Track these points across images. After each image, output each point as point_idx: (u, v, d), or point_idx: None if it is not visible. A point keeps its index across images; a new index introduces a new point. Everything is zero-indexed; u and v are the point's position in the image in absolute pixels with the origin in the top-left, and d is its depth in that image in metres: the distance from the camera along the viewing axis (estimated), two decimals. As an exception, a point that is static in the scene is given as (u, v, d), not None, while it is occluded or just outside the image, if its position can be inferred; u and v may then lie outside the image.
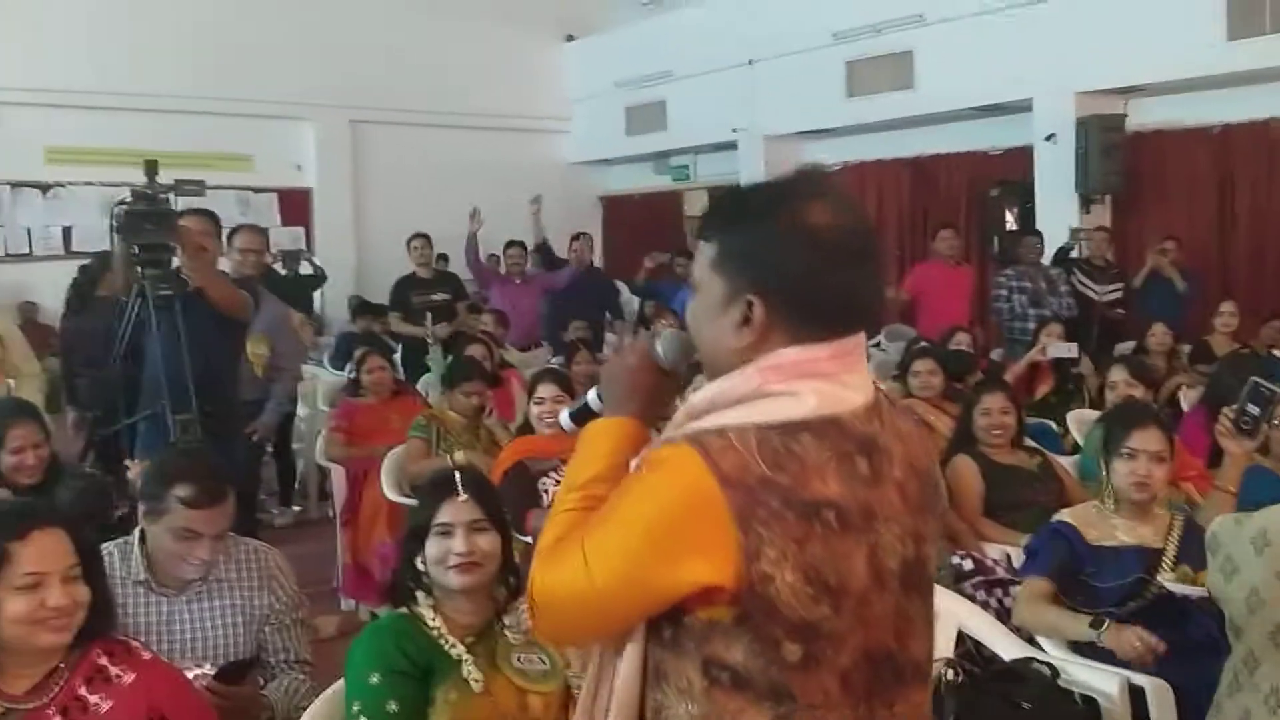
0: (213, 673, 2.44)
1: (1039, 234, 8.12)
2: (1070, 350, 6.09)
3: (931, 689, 1.53)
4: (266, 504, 6.69)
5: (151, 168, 4.30)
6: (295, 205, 11.92)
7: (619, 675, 1.42)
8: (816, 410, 1.32)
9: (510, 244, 8.80)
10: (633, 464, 1.41)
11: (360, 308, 9.79)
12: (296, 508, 7.04)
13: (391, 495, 4.94)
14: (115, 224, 4.13)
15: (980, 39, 9.06)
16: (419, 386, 6.85)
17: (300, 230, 11.87)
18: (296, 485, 7.12)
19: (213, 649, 2.65)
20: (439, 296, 8.12)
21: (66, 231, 10.73)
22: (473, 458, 4.63)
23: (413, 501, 4.77)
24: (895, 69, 9.81)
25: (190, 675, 2.37)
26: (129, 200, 4.09)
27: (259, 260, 5.65)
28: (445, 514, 2.31)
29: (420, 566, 2.33)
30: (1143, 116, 8.82)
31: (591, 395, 1.63)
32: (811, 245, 1.34)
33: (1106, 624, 2.79)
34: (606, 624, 1.41)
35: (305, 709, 2.63)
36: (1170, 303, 7.64)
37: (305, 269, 10.44)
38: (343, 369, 8.45)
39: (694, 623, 1.34)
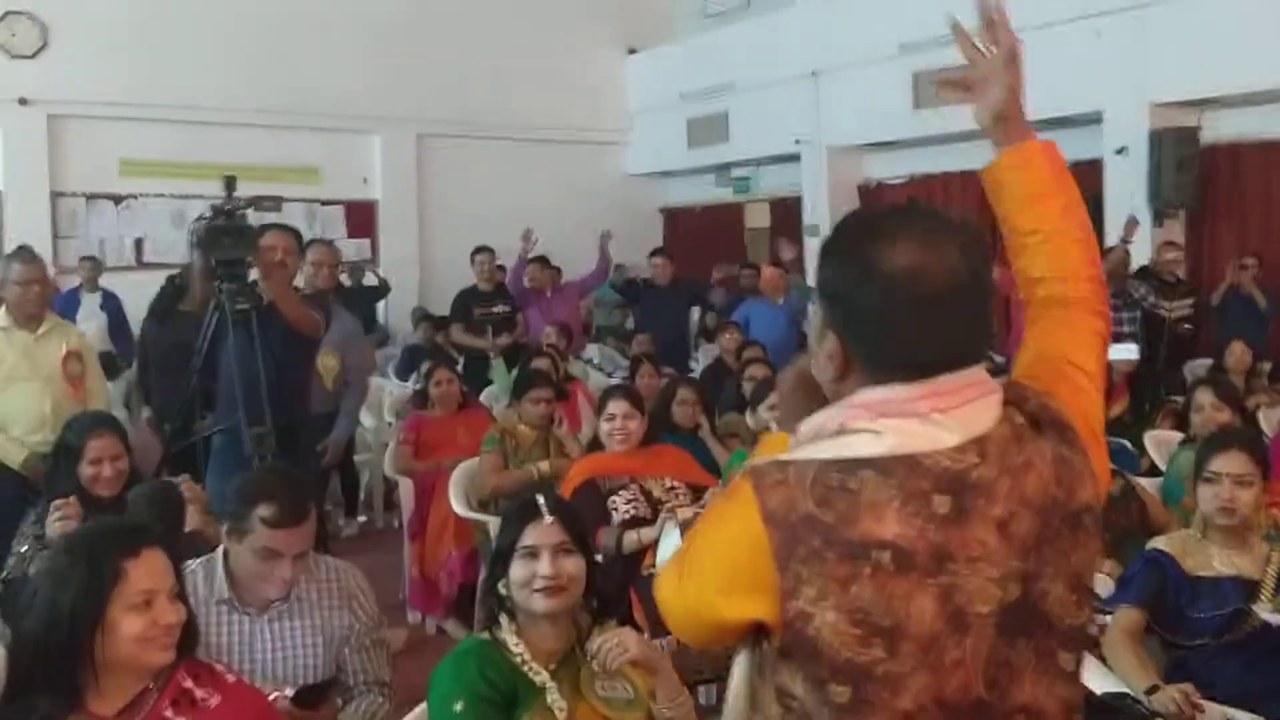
0: (291, 695, 2.44)
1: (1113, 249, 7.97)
2: (1130, 352, 5.98)
3: None
4: (332, 515, 6.73)
5: (230, 182, 4.35)
6: (361, 217, 12.02)
7: (730, 692, 1.45)
8: (892, 449, 1.28)
9: (530, 260, 8.83)
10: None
11: (424, 319, 9.84)
12: (362, 518, 7.09)
13: (460, 509, 4.95)
14: (194, 239, 4.18)
15: (1050, 50, 8.89)
16: (481, 399, 6.87)
17: (366, 242, 11.97)
18: (361, 496, 7.17)
19: (293, 669, 2.66)
20: (499, 309, 8.16)
21: (138, 243, 10.89)
22: (558, 465, 4.66)
23: (481, 516, 4.85)
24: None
25: (270, 699, 2.38)
26: (208, 215, 4.14)
27: (331, 273, 5.69)
28: (530, 536, 2.29)
29: (503, 590, 2.31)
30: (1218, 129, 8.64)
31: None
32: (885, 289, 1.30)
33: (1158, 689, 2.69)
34: (707, 635, 1.43)
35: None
36: (1251, 320, 7.50)
37: (369, 280, 10.55)
38: (407, 380, 8.53)
39: (770, 650, 1.33)
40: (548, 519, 2.31)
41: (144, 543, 2.02)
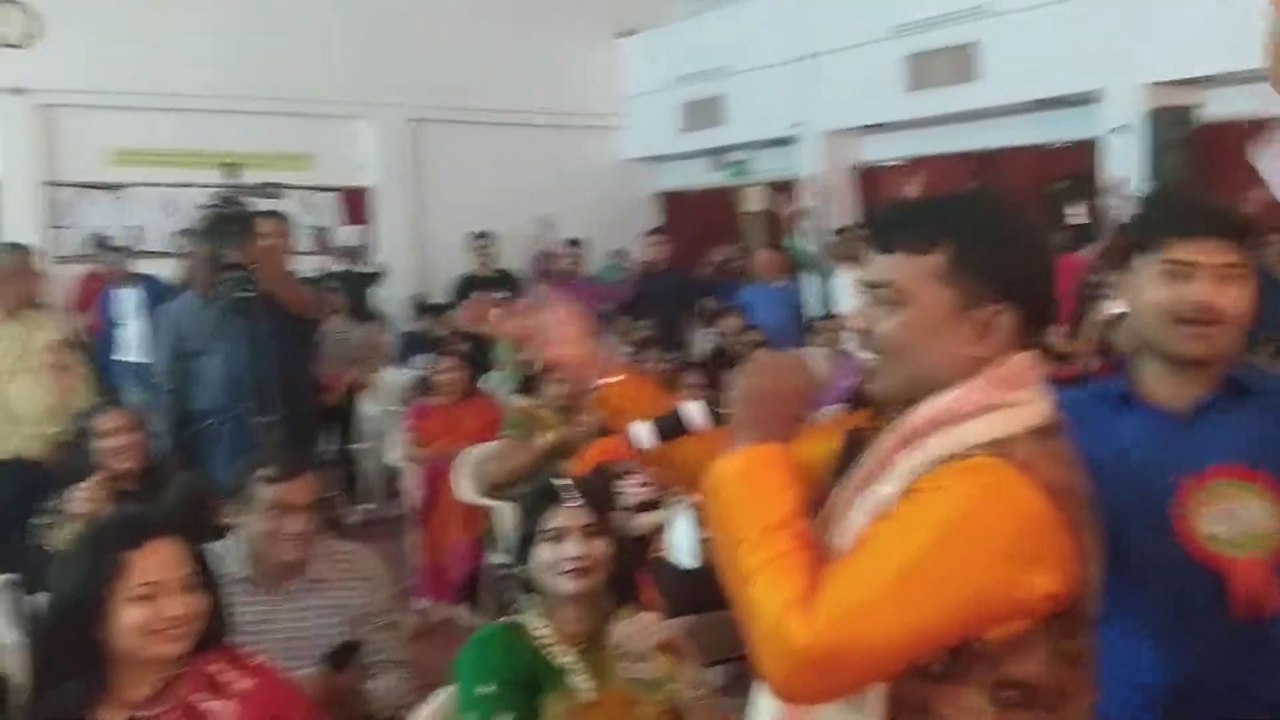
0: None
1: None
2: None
3: None
4: (337, 502, 6.74)
5: (230, 170, 4.34)
6: (355, 204, 11.97)
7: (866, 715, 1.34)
8: (1046, 415, 1.39)
9: (570, 241, 8.80)
10: (888, 491, 1.35)
11: (422, 307, 9.83)
12: (371, 505, 7.10)
13: (466, 496, 4.95)
14: (198, 227, 4.17)
15: (1046, 30, 8.91)
16: (484, 386, 6.86)
17: (361, 229, 11.93)
18: (356, 483, 7.17)
19: (310, 648, 2.66)
20: (500, 295, 8.17)
21: (132, 233, 10.85)
22: (571, 435, 4.63)
23: (488, 502, 4.85)
24: (957, 62, 9.66)
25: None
26: (212, 203, 4.13)
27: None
28: (556, 519, 2.30)
29: (529, 574, 2.32)
30: (1216, 108, 8.64)
31: (694, 410, 1.58)
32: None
33: None
34: (892, 665, 1.29)
35: (407, 700, 2.65)
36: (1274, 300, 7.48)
37: (365, 267, 10.54)
38: (404, 367, 8.53)
39: (987, 647, 1.31)
40: (573, 501, 2.32)
41: (150, 535, 2.00)
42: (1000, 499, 1.29)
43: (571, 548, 2.27)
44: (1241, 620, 1.74)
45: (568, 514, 2.31)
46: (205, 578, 2.05)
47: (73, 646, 1.94)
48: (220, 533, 2.76)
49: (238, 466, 2.87)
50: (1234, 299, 1.74)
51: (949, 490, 1.30)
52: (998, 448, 1.32)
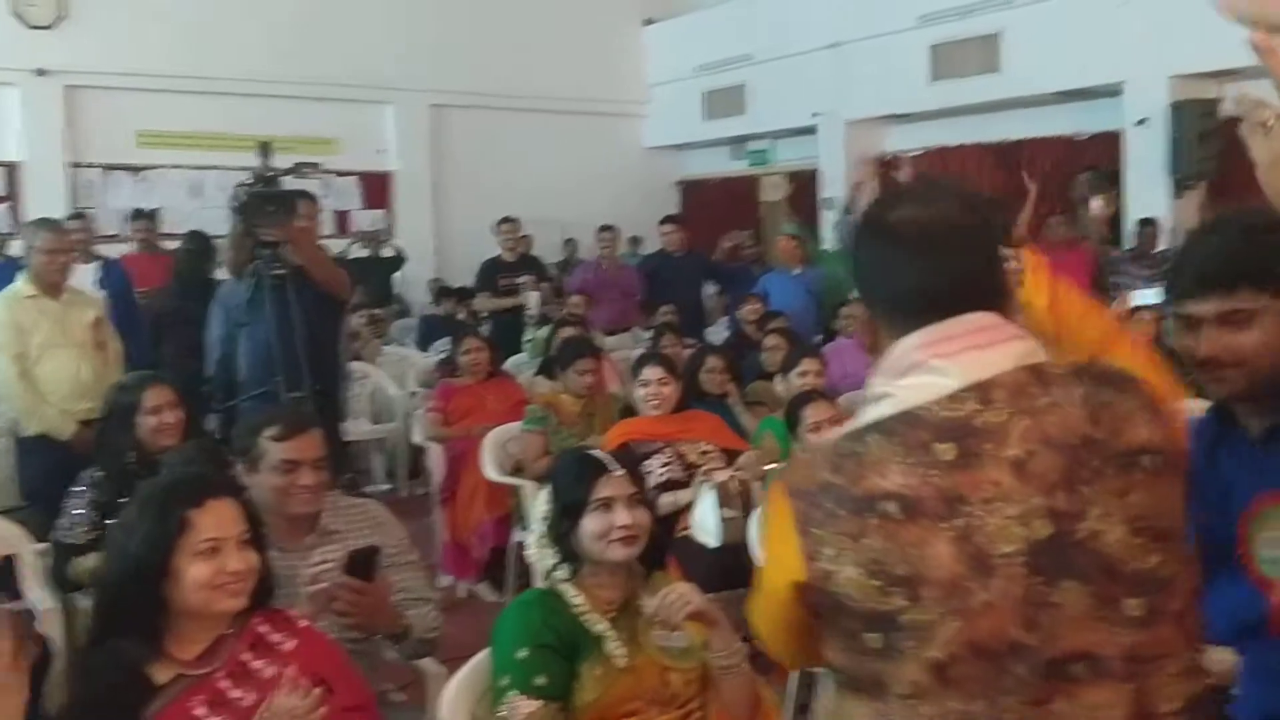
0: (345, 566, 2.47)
1: (1153, 221, 7.99)
2: (1156, 296, 5.98)
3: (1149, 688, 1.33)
4: (357, 481, 6.79)
5: (265, 148, 4.39)
6: (377, 188, 12.03)
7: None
8: (895, 409, 1.36)
9: (603, 228, 8.83)
10: None
11: (443, 291, 9.89)
12: (386, 486, 7.16)
13: (492, 475, 4.99)
14: (235, 205, 4.22)
15: (1070, 21, 8.90)
16: (507, 367, 6.90)
17: (382, 213, 11.99)
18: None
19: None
20: (524, 279, 8.22)
21: (155, 214, 10.89)
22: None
23: (515, 481, 4.89)
24: (981, 52, 9.67)
25: (314, 582, 2.45)
26: (249, 181, 4.17)
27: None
28: (604, 489, 2.34)
29: (570, 543, 2.35)
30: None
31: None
32: (889, 244, 1.42)
33: None
34: (784, 632, 1.50)
35: (437, 632, 2.72)
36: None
37: (386, 251, 10.60)
38: (426, 350, 8.58)
39: (815, 629, 1.42)
40: (618, 471, 2.36)
41: (209, 494, 2.09)
42: (770, 504, 1.45)
43: (621, 515, 2.31)
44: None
45: (615, 483, 2.35)
46: (256, 536, 2.11)
47: (134, 604, 2.01)
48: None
49: (239, 428, 2.93)
50: (1244, 343, 1.72)
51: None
52: (796, 452, 1.46)
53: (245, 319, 4.44)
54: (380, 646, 2.86)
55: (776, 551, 1.41)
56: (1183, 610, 1.35)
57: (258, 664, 2.08)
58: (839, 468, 1.35)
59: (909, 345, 1.38)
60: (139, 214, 8.59)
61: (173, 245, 7.39)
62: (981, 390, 1.33)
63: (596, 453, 2.47)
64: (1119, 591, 1.31)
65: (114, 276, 6.19)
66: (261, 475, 2.73)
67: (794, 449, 3.45)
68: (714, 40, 12.14)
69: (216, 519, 2.04)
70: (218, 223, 6.33)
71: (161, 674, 2.02)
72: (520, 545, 4.81)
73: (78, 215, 8.29)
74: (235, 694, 2.04)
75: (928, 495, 1.30)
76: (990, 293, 1.41)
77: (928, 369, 1.36)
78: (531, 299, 8.16)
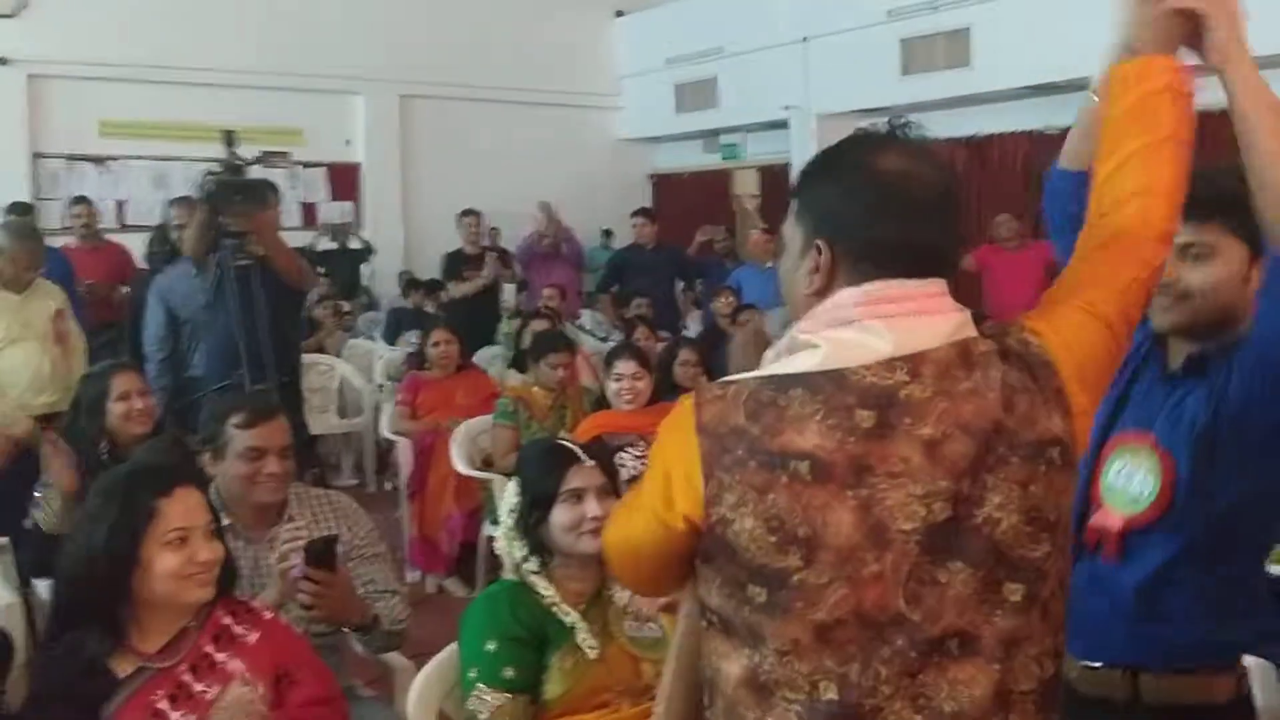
0: (303, 554, 2.42)
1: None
2: None
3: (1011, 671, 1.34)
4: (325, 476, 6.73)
5: (230, 138, 4.33)
6: (344, 180, 11.92)
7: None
8: (822, 364, 1.33)
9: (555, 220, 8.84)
10: None
11: (411, 284, 9.84)
12: (354, 481, 7.10)
13: (462, 468, 4.95)
14: (202, 194, 4.16)
15: (1039, 15, 8.92)
16: (477, 360, 6.86)
17: (349, 205, 11.88)
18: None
19: None
20: (487, 272, 8.19)
21: (120, 205, 10.79)
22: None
23: (485, 475, 4.85)
24: (952, 46, 9.68)
25: (288, 533, 2.44)
26: (216, 170, 4.12)
27: None
28: (575, 480, 2.31)
29: (540, 535, 2.32)
30: (1205, 96, 8.66)
31: None
32: (876, 190, 1.37)
33: None
34: (653, 564, 1.49)
35: (404, 624, 2.69)
36: None
37: (354, 243, 10.51)
38: (394, 343, 8.53)
39: (696, 570, 1.41)
40: (589, 462, 2.33)
41: (177, 481, 2.06)
42: (667, 435, 1.41)
43: (593, 506, 2.28)
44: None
45: (586, 473, 2.32)
46: (218, 527, 2.08)
47: (98, 596, 1.97)
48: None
49: (203, 415, 2.90)
50: (1197, 277, 1.82)
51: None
52: (709, 387, 1.39)
53: (200, 313, 4.38)
54: (348, 639, 2.83)
55: (672, 484, 1.37)
56: (1050, 597, 1.37)
57: (221, 656, 2.04)
58: (757, 415, 1.32)
59: (846, 298, 1.36)
60: (78, 200, 8.26)
61: (116, 236, 7.24)
62: (913, 363, 1.32)
63: (567, 442, 2.44)
64: (1003, 576, 1.33)
65: (54, 265, 6.09)
66: (227, 463, 2.70)
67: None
68: (685, 33, 12.10)
69: (185, 508, 2.02)
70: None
71: (123, 666, 1.98)
72: (490, 540, 4.77)
73: (21, 207, 8.05)
74: (198, 686, 2.01)
75: (840, 461, 1.29)
76: (950, 263, 1.41)
77: (861, 327, 1.34)
78: (507, 290, 8.14)
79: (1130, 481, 1.86)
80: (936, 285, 1.37)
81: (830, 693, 1.31)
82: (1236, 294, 1.82)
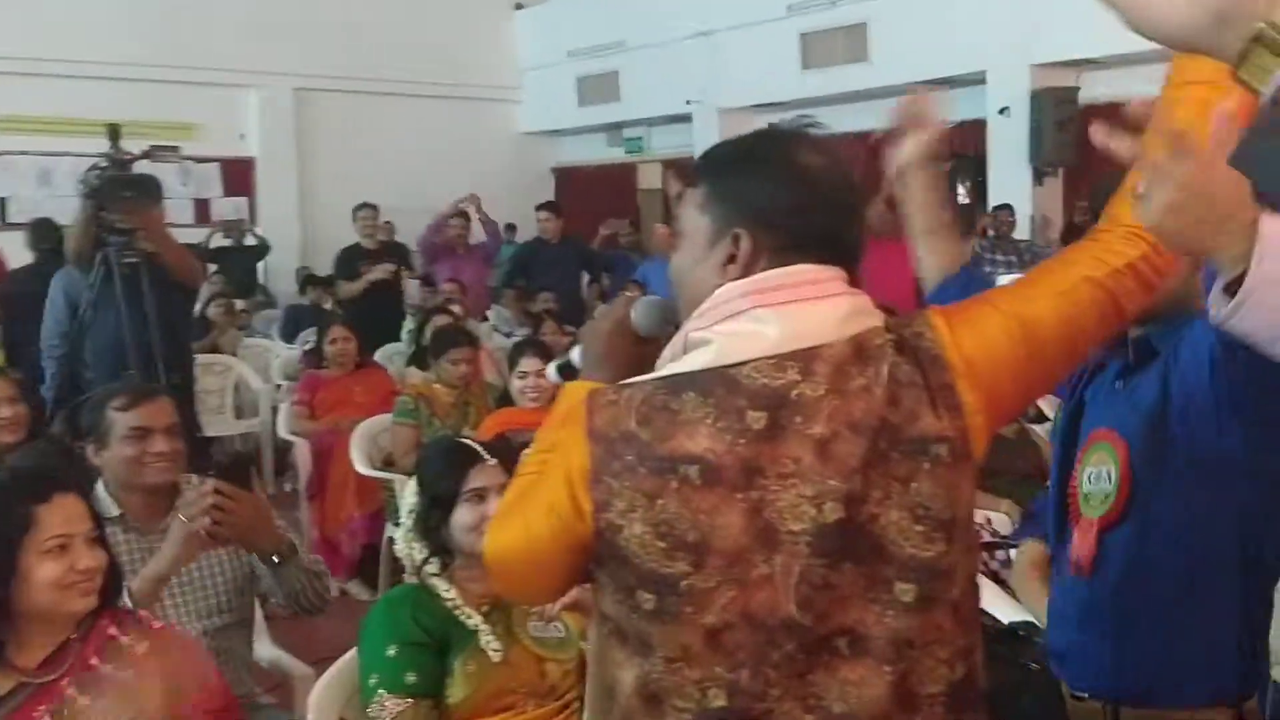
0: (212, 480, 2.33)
1: (1010, 207, 8.22)
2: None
3: (909, 672, 1.31)
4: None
5: (114, 132, 4.19)
6: (238, 175, 11.66)
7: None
8: (714, 360, 1.32)
9: (455, 214, 8.73)
10: None
11: (309, 280, 9.65)
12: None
13: (362, 468, 4.86)
14: (88, 189, 4.01)
15: (934, 11, 9.09)
16: (377, 357, 6.75)
17: (244, 201, 11.62)
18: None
19: (199, 577, 2.60)
20: (377, 273, 8.04)
21: (2, 202, 10.42)
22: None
23: (387, 475, 4.76)
24: (850, 42, 9.81)
25: (191, 493, 2.33)
26: (102, 165, 3.97)
27: None
28: (477, 479, 2.27)
29: (441, 536, 2.27)
30: (1095, 89, 8.90)
31: (575, 353, 1.62)
32: (800, 183, 1.38)
33: None
34: (537, 570, 1.43)
35: (324, 578, 2.60)
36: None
37: (249, 240, 10.27)
38: (293, 342, 8.35)
39: (593, 578, 1.39)
40: (491, 461, 2.29)
41: (55, 489, 1.98)
42: (559, 431, 1.40)
43: (495, 506, 2.23)
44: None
45: (488, 473, 2.29)
46: (100, 533, 2.00)
47: None
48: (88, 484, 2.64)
49: (88, 407, 2.80)
50: None
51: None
52: (602, 391, 1.37)
53: (84, 313, 4.23)
54: (246, 645, 2.74)
55: (562, 490, 1.34)
56: (960, 598, 1.34)
57: (107, 668, 1.96)
58: (648, 420, 1.30)
59: (735, 290, 1.35)
60: None
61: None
62: (805, 360, 1.30)
63: (468, 441, 2.39)
64: (892, 575, 1.30)
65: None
66: (112, 449, 2.61)
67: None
68: (586, 25, 12.07)
69: (65, 515, 1.94)
70: (68, 212, 6.06)
71: (1, 684, 1.89)
72: (392, 541, 4.69)
73: None
74: (83, 701, 1.92)
75: (730, 464, 1.28)
76: (858, 256, 1.42)
77: (750, 317, 1.33)
78: (410, 286, 8.02)
79: (1099, 482, 1.82)
80: (824, 272, 1.36)
81: (719, 700, 1.30)
82: (1188, 283, 1.75)
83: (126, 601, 2.15)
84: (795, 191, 1.38)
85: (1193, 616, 1.75)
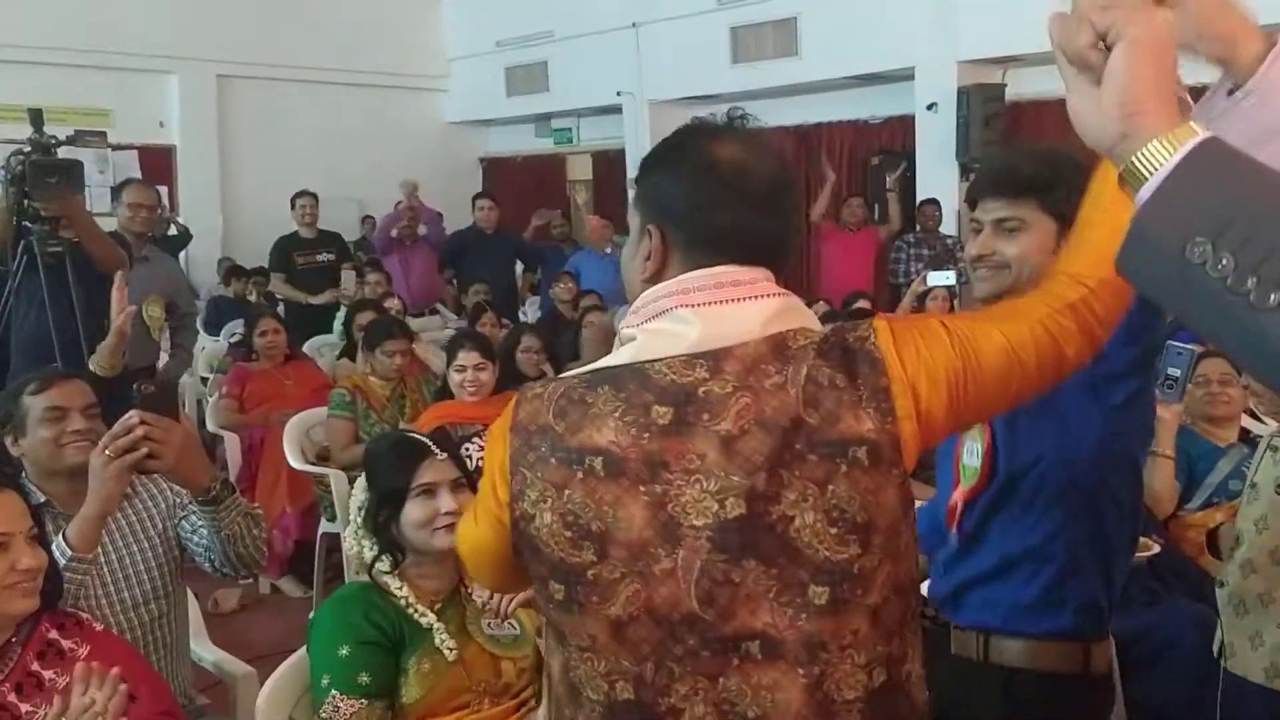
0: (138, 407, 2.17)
1: (936, 202, 8.32)
2: (949, 279, 6.19)
3: (826, 674, 1.30)
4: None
5: (37, 117, 4.05)
6: (157, 163, 11.35)
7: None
8: (633, 357, 1.35)
9: (408, 208, 8.63)
10: None
11: (233, 271, 9.45)
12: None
13: (296, 463, 4.76)
14: (10, 176, 3.87)
15: (864, 7, 9.15)
16: (307, 349, 6.63)
17: (163, 189, 11.31)
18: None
19: (130, 554, 2.52)
20: (323, 257, 7.92)
21: None
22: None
23: (321, 470, 4.68)
24: (780, 36, 9.83)
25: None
26: (25, 150, 3.83)
27: (149, 217, 5.33)
28: (427, 474, 2.23)
29: (391, 533, 2.23)
30: (1021, 86, 9.04)
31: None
32: (709, 178, 1.38)
33: None
34: (496, 563, 1.47)
35: (262, 527, 2.48)
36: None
37: (169, 230, 10.01)
38: (216, 334, 8.17)
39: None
40: (440, 455, 2.25)
41: None
42: (496, 428, 1.41)
43: (446, 501, 2.21)
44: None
45: (438, 467, 2.25)
46: (40, 532, 1.93)
47: None
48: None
49: (3, 398, 2.71)
50: (1011, 248, 1.90)
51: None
52: (532, 385, 1.41)
53: (14, 300, 4.09)
54: (184, 641, 2.67)
55: (488, 483, 1.41)
56: (880, 604, 1.32)
57: (48, 673, 1.89)
58: (564, 413, 1.34)
59: (660, 291, 1.37)
60: None
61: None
62: (715, 359, 1.31)
63: (417, 436, 2.35)
64: (806, 578, 1.29)
65: None
66: (29, 436, 2.53)
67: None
68: (514, 15, 11.95)
69: (4, 513, 1.88)
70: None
71: (-63, 692, 1.81)
72: (326, 538, 4.61)
73: None
74: (24, 708, 1.86)
75: (634, 456, 1.30)
76: (782, 252, 1.42)
77: (672, 316, 1.35)
78: (345, 277, 7.90)
79: (970, 458, 1.95)
80: (748, 273, 1.36)
81: (626, 693, 1.32)
82: (1047, 264, 1.82)
83: (67, 604, 2.07)
84: (703, 187, 1.38)
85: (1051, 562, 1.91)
